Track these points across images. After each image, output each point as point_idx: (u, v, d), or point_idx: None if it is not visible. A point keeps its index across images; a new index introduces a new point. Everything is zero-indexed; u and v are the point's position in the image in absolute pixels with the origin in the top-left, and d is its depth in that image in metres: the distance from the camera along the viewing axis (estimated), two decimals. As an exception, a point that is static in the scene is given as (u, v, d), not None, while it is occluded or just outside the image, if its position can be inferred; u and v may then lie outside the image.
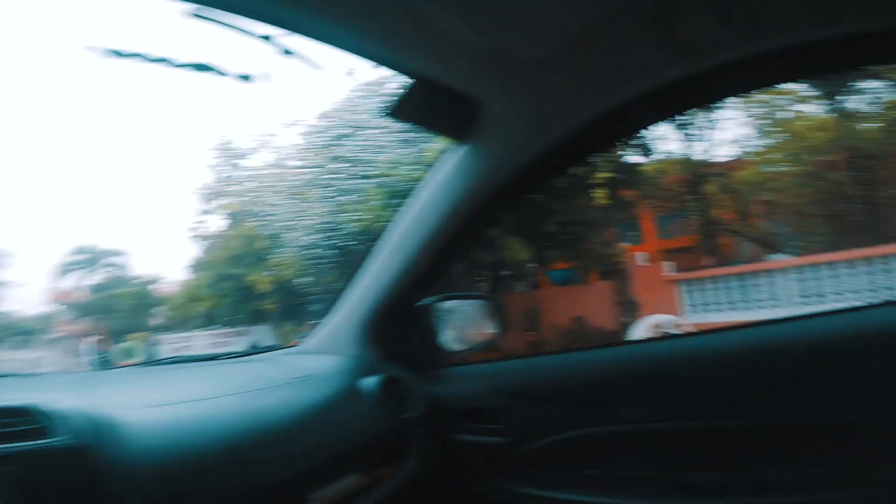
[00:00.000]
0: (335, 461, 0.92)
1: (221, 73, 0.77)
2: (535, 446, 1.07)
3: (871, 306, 0.93)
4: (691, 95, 0.93)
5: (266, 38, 0.74)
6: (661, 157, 9.83)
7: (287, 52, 0.76)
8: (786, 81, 1.03)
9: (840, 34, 0.76)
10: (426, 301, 1.19)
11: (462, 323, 1.28)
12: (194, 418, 0.79)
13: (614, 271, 8.47)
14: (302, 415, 0.92)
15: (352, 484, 0.92)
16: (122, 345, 12.90)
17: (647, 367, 1.03)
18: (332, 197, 7.43)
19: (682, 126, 9.88)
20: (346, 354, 1.16)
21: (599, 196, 7.18)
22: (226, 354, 1.27)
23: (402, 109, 0.95)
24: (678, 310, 7.18)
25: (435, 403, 1.13)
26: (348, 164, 7.26)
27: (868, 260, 6.55)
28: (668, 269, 7.72)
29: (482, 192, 1.05)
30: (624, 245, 9.56)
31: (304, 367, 1.11)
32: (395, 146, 6.82)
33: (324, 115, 7.91)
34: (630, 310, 7.54)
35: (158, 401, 0.82)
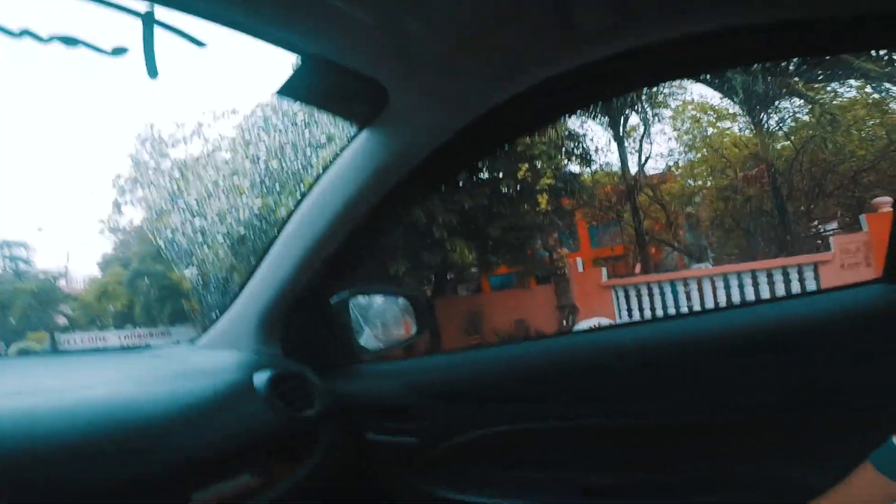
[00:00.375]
0: (220, 459, 0.86)
1: (92, 48, 0.70)
2: (450, 445, 1.04)
3: (765, 301, 1.00)
4: (593, 85, 0.94)
5: (143, 14, 0.67)
6: (598, 168, 10.24)
7: (159, 24, 0.68)
8: (686, 74, 1.08)
9: (743, 24, 0.76)
10: (341, 296, 1.12)
11: (381, 320, 1.22)
12: (51, 407, 0.74)
13: (555, 276, 8.68)
14: (181, 409, 0.86)
15: (242, 483, 0.86)
16: (20, 343, 11.69)
17: (567, 363, 1.02)
18: (263, 190, 7.09)
19: (617, 138, 10.34)
20: (242, 349, 1.09)
21: (542, 202, 7.33)
22: (115, 348, 1.15)
23: (297, 89, 0.91)
24: (613, 314, 7.48)
25: (346, 401, 1.09)
26: (279, 156, 6.96)
27: (783, 269, 7.09)
28: (604, 275, 8.01)
29: (388, 178, 1.01)
30: (564, 251, 9.85)
31: (194, 361, 1.04)
32: (322, 137, 6.60)
33: (260, 105, 7.52)
34: (570, 314, 7.77)
35: (14, 390, 0.78)
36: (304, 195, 1.07)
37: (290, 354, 1.10)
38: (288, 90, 0.89)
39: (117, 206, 11.29)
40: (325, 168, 1.05)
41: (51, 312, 13.89)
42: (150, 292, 11.10)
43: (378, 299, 1.25)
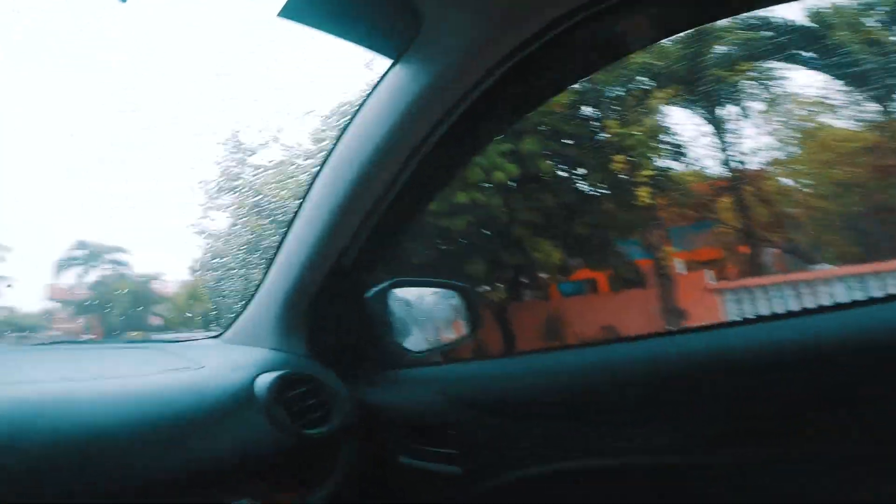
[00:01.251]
0: (202, 482, 0.72)
1: None
2: (502, 480, 0.81)
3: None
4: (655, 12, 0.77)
5: None
6: (693, 163, 9.54)
7: None
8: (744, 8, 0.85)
9: None
10: (380, 287, 0.95)
11: (424, 316, 1.06)
12: (14, 400, 0.64)
13: (658, 278, 8.04)
14: (158, 417, 0.72)
15: None
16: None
17: (662, 371, 0.75)
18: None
19: (713, 132, 9.59)
20: (265, 346, 0.93)
21: (643, 197, 6.83)
22: (127, 341, 1.00)
23: (303, 10, 0.75)
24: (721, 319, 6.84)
25: (374, 414, 0.92)
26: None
27: None
28: (709, 277, 7.36)
29: (427, 118, 0.81)
30: (668, 249, 9.16)
31: (201, 358, 0.88)
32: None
33: (341, 106, 7.60)
34: (674, 319, 7.17)
35: None
36: (329, 153, 0.87)
37: (316, 355, 0.93)
38: (293, 11, 0.76)
39: (205, 210, 11.94)
40: (353, 116, 0.85)
41: (147, 313, 14.95)
42: (233, 294, 11.60)
43: (423, 292, 1.07)
